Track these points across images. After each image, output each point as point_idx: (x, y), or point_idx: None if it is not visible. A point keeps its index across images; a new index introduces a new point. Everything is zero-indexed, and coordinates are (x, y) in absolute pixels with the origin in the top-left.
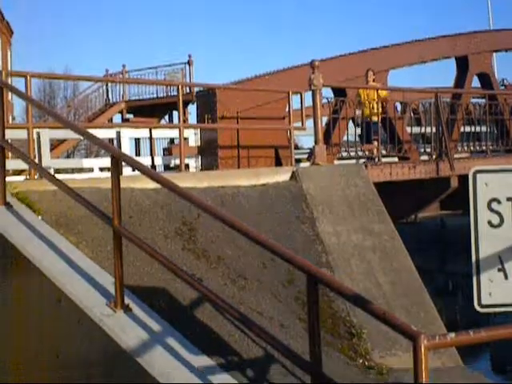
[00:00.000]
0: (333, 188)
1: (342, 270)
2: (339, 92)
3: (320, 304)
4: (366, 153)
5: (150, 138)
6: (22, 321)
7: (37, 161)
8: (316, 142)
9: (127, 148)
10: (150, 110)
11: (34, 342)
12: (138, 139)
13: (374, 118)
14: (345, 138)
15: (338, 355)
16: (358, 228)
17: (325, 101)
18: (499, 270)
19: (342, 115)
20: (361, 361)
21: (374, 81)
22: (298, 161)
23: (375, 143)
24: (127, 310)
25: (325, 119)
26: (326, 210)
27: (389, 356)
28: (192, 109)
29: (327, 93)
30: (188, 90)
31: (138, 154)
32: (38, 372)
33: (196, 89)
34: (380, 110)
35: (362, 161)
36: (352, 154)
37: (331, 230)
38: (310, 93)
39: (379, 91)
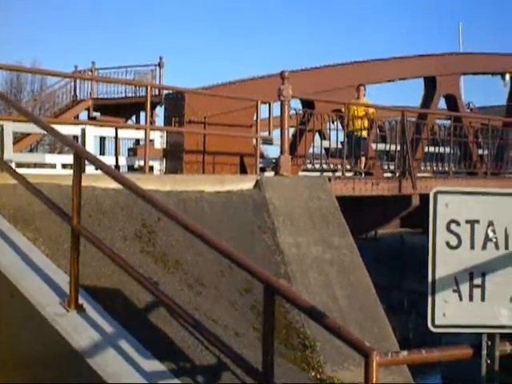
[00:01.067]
0: (296, 199)
1: (300, 281)
2: (308, 104)
3: (275, 314)
4: (331, 166)
5: (116, 137)
6: None
7: None
8: (282, 152)
9: (92, 146)
10: (117, 110)
11: None
12: (104, 138)
13: (363, 134)
14: (310, 151)
15: (291, 366)
16: (318, 240)
17: (293, 112)
18: (454, 290)
19: (310, 127)
20: (313, 373)
21: (364, 96)
22: (263, 170)
23: (363, 158)
24: (81, 310)
25: (292, 130)
26: (288, 221)
27: (341, 370)
28: (160, 111)
29: (296, 104)
30: (157, 92)
31: (102, 153)
32: None
33: (165, 91)
34: (367, 125)
35: (326, 174)
36: (317, 166)
37: (292, 240)
38: (278, 103)
39: (369, 108)
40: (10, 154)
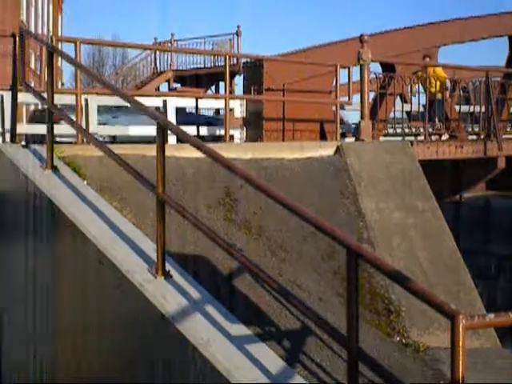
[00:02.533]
0: (377, 164)
1: (383, 246)
2: (388, 67)
3: (359, 279)
4: (413, 130)
5: (196, 107)
6: (67, 282)
7: (84, 126)
8: (362, 117)
9: (173, 117)
10: (196, 80)
11: (79, 303)
12: (184, 108)
13: (438, 96)
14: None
15: (375, 331)
16: (400, 205)
17: (373, 76)
18: None
19: (390, 91)
20: (398, 338)
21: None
22: (343, 136)
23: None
24: (168, 276)
25: (372, 95)
26: (370, 186)
27: (426, 334)
28: (239, 80)
29: (375, 68)
30: (235, 61)
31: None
32: (83, 332)
33: (243, 60)
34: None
35: (407, 138)
36: (398, 130)
37: (374, 206)
38: (357, 67)
39: (440, 72)
40: (94, 126)
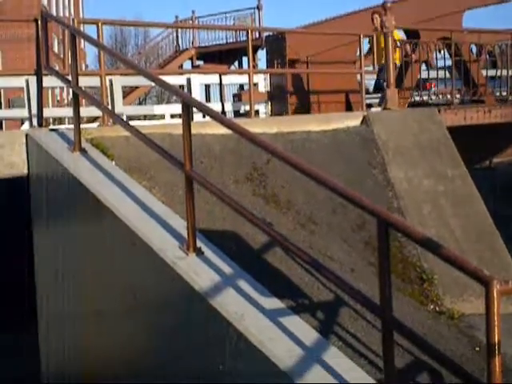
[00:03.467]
0: (405, 133)
1: (414, 215)
2: (412, 34)
3: (391, 249)
4: (440, 97)
5: (220, 84)
6: (100, 264)
7: (110, 107)
8: (388, 85)
9: (198, 94)
10: (219, 56)
11: (112, 285)
12: (208, 85)
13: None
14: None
15: (409, 300)
16: (430, 173)
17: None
18: None
19: (415, 58)
20: (432, 306)
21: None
22: (369, 106)
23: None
24: (199, 253)
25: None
26: (398, 155)
27: (460, 302)
28: (261, 54)
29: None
30: (257, 36)
31: (208, 100)
32: (118, 312)
33: (265, 34)
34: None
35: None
36: (425, 98)
37: (402, 175)
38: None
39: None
40: (120, 107)
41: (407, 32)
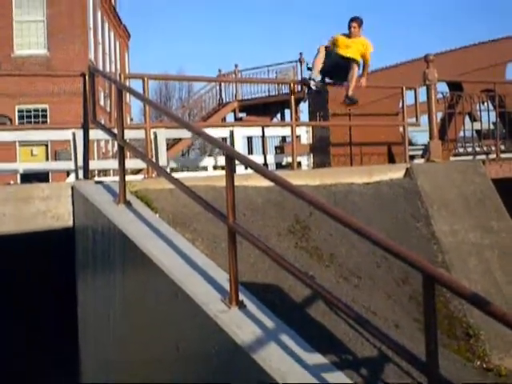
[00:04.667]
0: (449, 185)
1: (459, 269)
2: (454, 86)
3: (436, 304)
4: (484, 148)
5: (263, 136)
6: (143, 316)
7: (154, 160)
8: (431, 137)
9: (240, 146)
10: (262, 109)
11: (155, 336)
12: (251, 138)
13: None
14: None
15: (455, 357)
16: (475, 226)
17: (440, 96)
18: None
19: (459, 110)
20: (478, 362)
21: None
22: (412, 157)
23: None
24: (242, 306)
25: (440, 114)
26: (442, 208)
27: (507, 358)
28: (303, 107)
29: (442, 87)
30: (299, 88)
31: (250, 152)
32: (162, 365)
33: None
34: None
35: (479, 157)
36: (469, 149)
37: (447, 228)
38: (424, 88)
39: None
40: (164, 159)
41: (449, 84)
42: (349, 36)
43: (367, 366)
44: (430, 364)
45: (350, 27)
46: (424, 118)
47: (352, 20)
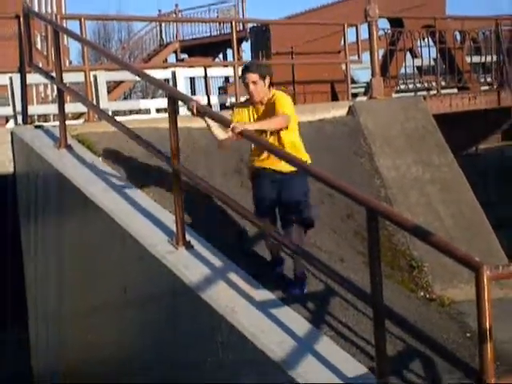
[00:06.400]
0: (391, 121)
1: (402, 203)
2: (396, 23)
3: (380, 237)
4: (425, 84)
5: (205, 77)
6: (89, 261)
7: (95, 103)
8: (373, 75)
9: (183, 88)
10: (203, 49)
11: (102, 281)
12: (193, 79)
13: None
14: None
15: (399, 288)
16: (417, 161)
17: (381, 32)
18: None
19: (400, 47)
20: (422, 293)
21: None
22: (355, 95)
23: None
24: (189, 246)
25: (381, 52)
26: (385, 144)
27: (450, 288)
28: (246, 46)
29: (383, 24)
30: (241, 27)
31: (193, 93)
32: (108, 306)
33: (249, 25)
34: None
35: (420, 93)
36: (410, 86)
37: (390, 163)
38: (365, 25)
39: None
40: (105, 102)
41: (391, 21)
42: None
43: (314, 300)
44: (375, 295)
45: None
46: (366, 56)
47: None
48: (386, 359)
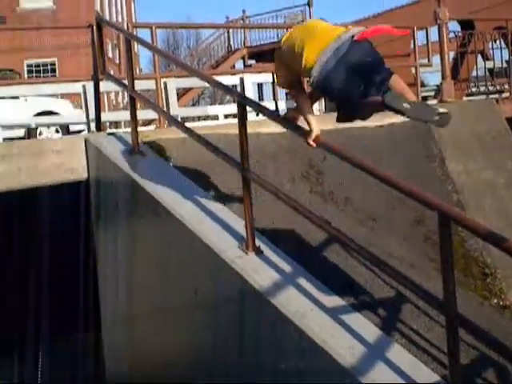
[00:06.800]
0: (462, 125)
1: (474, 208)
2: (466, 25)
3: (452, 243)
4: (497, 87)
5: (273, 82)
6: (160, 265)
7: (165, 110)
8: (443, 77)
9: (251, 93)
10: (271, 55)
11: (174, 281)
12: (261, 84)
13: None
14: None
15: (472, 295)
16: (489, 165)
17: (452, 35)
18: None
19: (471, 49)
20: (495, 300)
21: None
22: (425, 98)
23: None
24: (258, 251)
25: (452, 54)
26: (456, 148)
27: None
28: None
29: (454, 27)
30: None
31: (261, 99)
32: (180, 308)
33: None
34: None
35: (492, 96)
36: (482, 89)
37: (461, 168)
38: (435, 28)
39: None
40: (175, 109)
41: (461, 23)
42: None
43: (384, 306)
44: (448, 303)
45: None
46: (436, 59)
47: None
48: (459, 367)
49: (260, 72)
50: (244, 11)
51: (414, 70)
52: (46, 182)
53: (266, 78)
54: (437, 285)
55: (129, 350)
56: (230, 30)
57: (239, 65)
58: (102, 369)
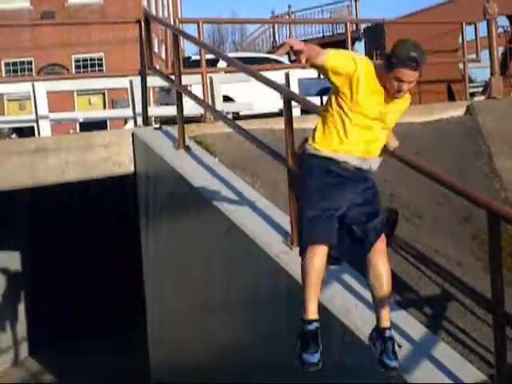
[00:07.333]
0: (511, 122)
1: None
2: None
3: (501, 241)
4: None
5: (318, 77)
6: (205, 259)
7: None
8: (492, 73)
9: (296, 89)
10: None
11: (218, 277)
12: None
13: None
14: None
15: None
16: None
17: (501, 30)
18: None
19: None
20: None
21: None
22: (472, 95)
23: None
24: None
25: (500, 50)
26: (504, 145)
27: None
28: (359, 46)
29: (503, 22)
30: (355, 27)
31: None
32: (225, 304)
33: (363, 25)
34: None
35: None
36: None
37: (510, 165)
38: (484, 23)
39: None
40: (220, 104)
41: (510, 18)
42: None
43: (430, 304)
44: (496, 301)
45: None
46: (484, 54)
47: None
48: (506, 366)
49: (305, 67)
50: (290, 6)
51: (461, 66)
52: (94, 176)
53: (312, 73)
54: (484, 284)
55: (173, 347)
56: (276, 25)
57: (285, 60)
58: (146, 366)
